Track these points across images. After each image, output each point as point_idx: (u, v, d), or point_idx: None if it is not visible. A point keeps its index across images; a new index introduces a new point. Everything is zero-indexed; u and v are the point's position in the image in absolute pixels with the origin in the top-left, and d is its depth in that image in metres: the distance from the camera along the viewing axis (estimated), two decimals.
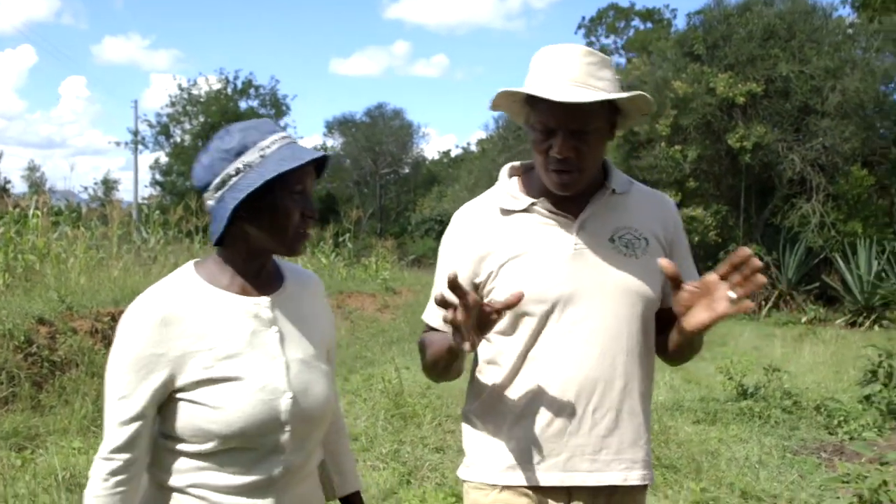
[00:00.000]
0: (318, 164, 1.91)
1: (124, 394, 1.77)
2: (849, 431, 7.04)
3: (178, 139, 46.85)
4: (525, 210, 2.09)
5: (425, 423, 6.33)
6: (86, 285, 9.90)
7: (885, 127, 21.17)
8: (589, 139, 1.95)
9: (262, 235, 1.81)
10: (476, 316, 1.80)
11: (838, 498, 4.79)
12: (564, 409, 2.02)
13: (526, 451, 2.05)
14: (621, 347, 2.04)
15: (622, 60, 32.43)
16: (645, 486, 2.13)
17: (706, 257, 21.11)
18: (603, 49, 34.49)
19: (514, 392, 2.07)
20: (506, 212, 2.11)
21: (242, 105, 48.01)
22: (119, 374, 1.78)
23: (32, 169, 49.06)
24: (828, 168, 19.46)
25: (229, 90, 47.75)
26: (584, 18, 34.17)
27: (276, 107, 49.34)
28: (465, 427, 2.20)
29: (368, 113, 49.24)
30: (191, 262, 1.91)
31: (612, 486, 2.06)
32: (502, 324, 2.03)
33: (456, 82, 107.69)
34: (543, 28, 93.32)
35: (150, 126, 46.96)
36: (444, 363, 2.03)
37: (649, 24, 32.16)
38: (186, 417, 1.78)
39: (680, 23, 27.34)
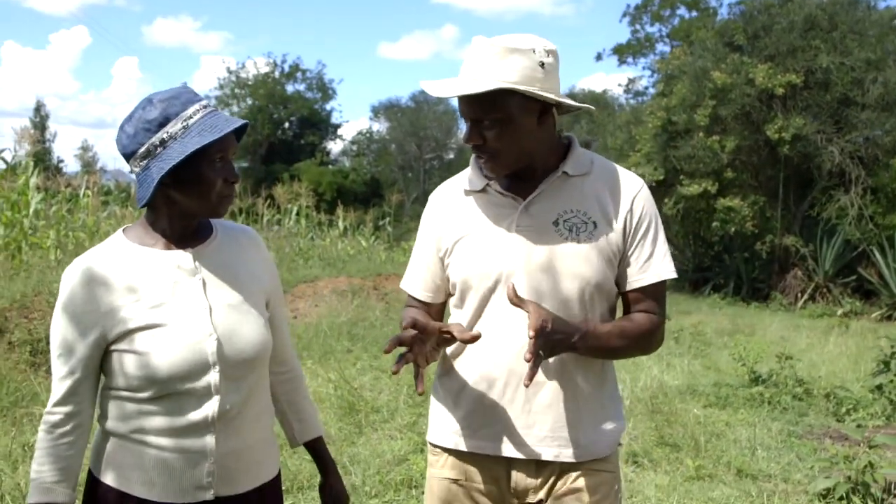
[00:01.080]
0: (239, 130, 1.99)
1: (61, 351, 1.92)
2: (857, 419, 7.24)
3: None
4: (482, 191, 2.18)
5: None
6: None
7: None
8: (493, 126, 2.01)
9: (187, 201, 1.93)
10: (434, 340, 2.01)
11: (827, 478, 5.04)
12: (501, 383, 2.10)
13: (468, 418, 2.15)
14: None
15: (667, 49, 32.39)
16: (604, 457, 2.16)
17: (743, 247, 21.22)
18: (648, 38, 34.47)
19: (462, 363, 2.17)
20: (467, 192, 2.21)
21: (289, 88, 48.75)
22: (56, 333, 1.93)
23: (85, 149, 50.14)
24: (867, 160, 19.38)
25: (277, 74, 48.47)
26: (629, 6, 33.96)
27: (323, 90, 50.05)
28: (432, 393, 2.32)
29: (413, 98, 49.55)
30: (120, 229, 2.05)
31: (549, 461, 2.12)
32: (455, 298, 2.21)
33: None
34: (592, 13, 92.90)
35: None
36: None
37: (694, 13, 31.99)
38: (121, 367, 1.90)
39: (725, 11, 27.17)
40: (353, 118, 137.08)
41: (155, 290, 1.92)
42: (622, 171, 2.21)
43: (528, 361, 1.87)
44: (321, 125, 50.09)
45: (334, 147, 52.66)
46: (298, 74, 49.04)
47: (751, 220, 20.05)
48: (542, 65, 2.01)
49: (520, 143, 2.04)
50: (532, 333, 1.87)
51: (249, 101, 47.31)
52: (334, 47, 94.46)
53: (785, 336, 12.73)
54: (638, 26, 33.82)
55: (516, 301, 1.95)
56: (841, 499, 4.88)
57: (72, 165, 45.63)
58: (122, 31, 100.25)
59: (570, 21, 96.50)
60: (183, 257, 1.98)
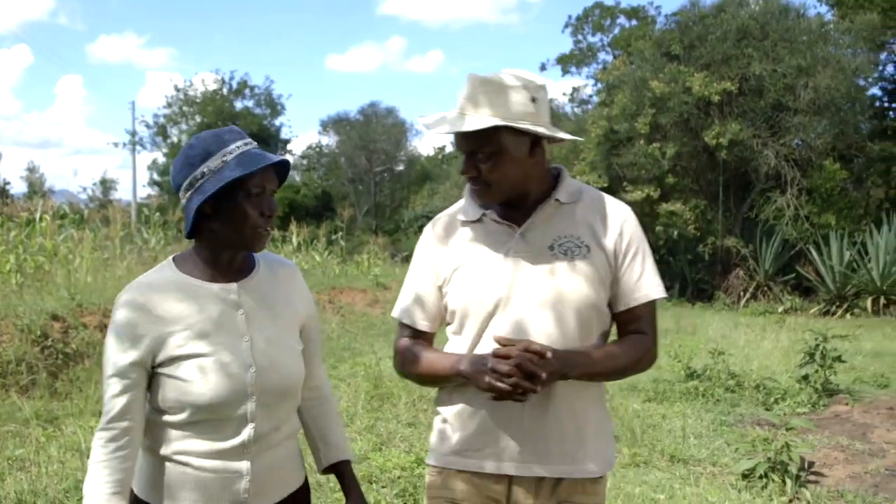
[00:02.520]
0: (281, 168, 2.09)
1: (114, 371, 1.99)
2: (784, 408, 7.82)
3: (175, 139, 47.49)
4: (478, 220, 2.26)
5: (400, 403, 7.09)
6: (93, 284, 10.61)
7: (860, 122, 21.92)
8: (488, 159, 2.12)
9: (224, 231, 2.02)
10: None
11: (750, 459, 5.55)
12: (502, 405, 2.13)
13: (469, 439, 2.21)
14: (558, 347, 2.12)
15: (609, 58, 33.15)
16: (597, 479, 2.24)
17: (686, 250, 21.94)
18: (590, 48, 35.22)
19: (461, 386, 2.21)
20: (463, 222, 2.29)
21: (238, 105, 48.74)
22: (109, 355, 2.01)
23: (32, 170, 49.71)
24: (801, 163, 20.22)
25: (225, 90, 48.46)
26: (570, 17, 34.68)
27: (271, 106, 50.04)
28: (434, 416, 2.36)
29: (362, 111, 49.86)
30: (170, 257, 2.15)
31: (548, 479, 2.19)
32: (454, 325, 2.28)
33: (452, 77, 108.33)
34: (538, 21, 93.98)
35: (148, 127, 47.59)
36: (444, 381, 2.26)
37: (634, 22, 32.81)
38: (165, 391, 2.00)
39: (662, 21, 27.99)
40: (303, 131, 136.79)
41: (200, 321, 2.01)
42: (610, 199, 2.31)
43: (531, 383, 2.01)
44: (271, 141, 50.00)
45: None
46: (247, 91, 49.03)
47: (693, 223, 20.79)
48: (534, 100, 2.11)
49: (512, 174, 2.14)
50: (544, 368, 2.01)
51: (198, 119, 47.23)
52: (282, 60, 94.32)
53: (725, 334, 13.30)
54: (580, 36, 34.56)
55: (504, 343, 2.08)
56: (761, 477, 5.39)
57: (18, 187, 45.26)
58: (65, 50, 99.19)
59: (515, 30, 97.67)
60: (228, 291, 2.07)
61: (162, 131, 47.65)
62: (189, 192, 2.00)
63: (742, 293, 20.45)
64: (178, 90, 48.97)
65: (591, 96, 34.04)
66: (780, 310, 18.70)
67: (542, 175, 2.23)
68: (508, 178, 2.14)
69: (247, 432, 2.02)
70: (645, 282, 2.22)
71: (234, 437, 2.01)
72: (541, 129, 2.11)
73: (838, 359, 8.29)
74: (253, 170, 1.95)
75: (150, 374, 2.02)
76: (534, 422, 2.16)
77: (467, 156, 2.15)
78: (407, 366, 2.31)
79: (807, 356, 8.38)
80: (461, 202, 2.35)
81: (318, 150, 52.66)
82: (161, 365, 2.00)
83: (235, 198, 1.98)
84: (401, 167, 50.85)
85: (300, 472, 2.23)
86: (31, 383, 7.17)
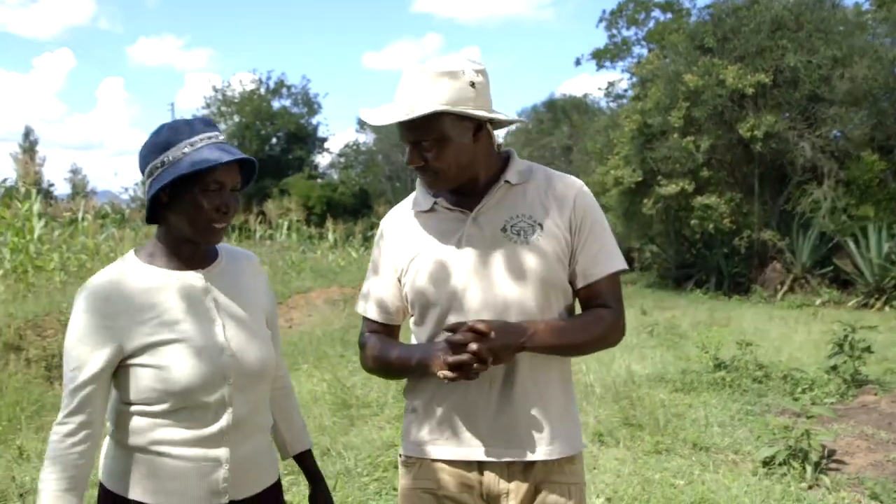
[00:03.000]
0: (248, 167, 2.11)
1: (76, 365, 1.98)
2: (812, 397, 7.85)
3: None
4: (430, 209, 2.26)
5: None
6: None
7: None
8: (432, 147, 2.11)
9: (178, 222, 2.03)
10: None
11: (771, 447, 5.63)
12: (467, 391, 2.16)
13: (439, 427, 2.22)
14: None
15: (644, 51, 33.02)
16: (572, 457, 2.25)
17: (722, 243, 21.86)
18: (624, 42, 35.11)
19: (429, 375, 2.19)
20: (417, 213, 2.30)
21: (275, 104, 49.33)
22: (71, 348, 1.99)
23: (75, 172, 50.70)
24: (839, 154, 20.06)
25: (262, 90, 49.08)
26: (604, 12, 34.55)
27: (308, 105, 50.63)
28: (405, 407, 2.38)
29: None
30: (131, 250, 2.15)
31: (520, 463, 2.19)
32: (415, 316, 2.27)
33: (489, 73, 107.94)
34: (573, 16, 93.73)
35: None
36: (405, 374, 2.29)
37: (669, 15, 32.61)
38: (139, 381, 1.99)
39: (698, 13, 27.84)
40: (340, 129, 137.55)
41: (170, 308, 2.02)
42: (561, 175, 2.30)
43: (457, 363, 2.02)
44: (308, 139, 50.68)
45: (322, 160, 53.26)
46: (284, 90, 49.68)
47: (728, 216, 20.71)
48: (473, 84, 2.11)
49: (458, 159, 2.14)
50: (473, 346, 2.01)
51: (236, 119, 47.87)
52: (319, 58, 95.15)
53: (758, 326, 13.30)
54: (615, 30, 34.43)
55: (455, 328, 2.08)
56: (781, 464, 5.47)
57: (61, 188, 46.16)
58: (106, 53, 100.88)
59: (550, 25, 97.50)
60: (194, 277, 2.09)
61: None
62: (149, 180, 2.01)
63: (779, 286, 20.33)
64: (216, 91, 49.79)
65: (626, 90, 33.95)
66: (818, 303, 18.57)
67: (490, 159, 2.23)
68: (454, 164, 2.14)
69: (225, 418, 2.02)
70: (604, 255, 2.22)
71: (213, 424, 2.01)
72: (480, 113, 2.11)
73: (867, 349, 8.28)
74: (210, 165, 1.94)
75: (118, 367, 2.01)
76: (499, 406, 2.16)
77: (412, 146, 2.14)
78: (368, 361, 2.32)
79: (835, 347, 8.40)
80: (413, 194, 2.36)
81: (355, 147, 53.06)
82: (132, 356, 1.99)
83: (191, 190, 1.97)
84: None
85: (275, 466, 2.25)
86: None
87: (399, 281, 2.29)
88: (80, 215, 14.29)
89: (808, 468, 5.38)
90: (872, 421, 6.90)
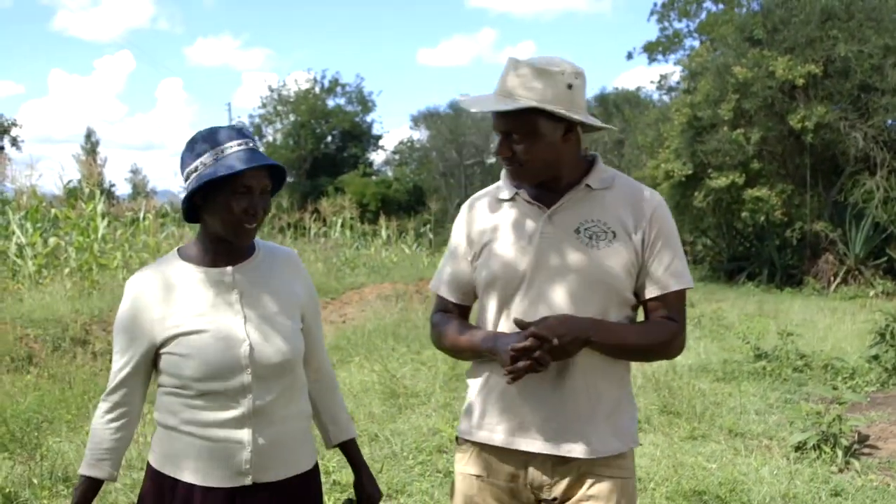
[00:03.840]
0: (279, 172, 2.23)
1: (118, 349, 2.21)
2: (852, 386, 7.98)
3: (271, 139, 48.91)
4: (511, 199, 2.33)
5: None
6: None
7: None
8: (522, 141, 2.18)
9: (212, 222, 2.18)
10: None
11: (803, 431, 5.82)
12: (523, 381, 2.17)
13: (490, 413, 2.28)
14: None
15: (696, 43, 32.86)
16: (615, 458, 2.25)
17: (774, 236, 21.80)
18: (676, 34, 34.95)
19: (485, 359, 2.30)
20: (498, 200, 2.36)
21: (330, 103, 50.00)
22: (116, 335, 2.22)
23: (135, 172, 51.96)
24: (891, 144, 19.87)
25: (317, 89, 49.76)
26: (655, 4, 34.41)
27: (363, 103, 51.17)
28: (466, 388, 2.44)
29: (452, 105, 50.35)
30: (175, 248, 2.33)
31: (565, 458, 2.22)
32: (481, 298, 2.36)
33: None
34: (629, 8, 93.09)
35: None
36: (470, 356, 2.36)
37: (721, 6, 32.38)
38: (167, 367, 2.17)
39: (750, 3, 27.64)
40: (395, 126, 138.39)
41: (197, 301, 2.18)
42: (642, 187, 2.34)
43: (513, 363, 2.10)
44: (363, 137, 51.21)
45: (377, 158, 53.79)
46: (338, 89, 50.28)
47: (780, 208, 20.65)
48: (570, 86, 2.17)
49: (545, 156, 2.20)
50: (531, 341, 2.08)
51: (292, 118, 48.63)
52: (374, 56, 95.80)
53: (807, 317, 13.35)
54: (666, 23, 34.27)
55: (524, 326, 2.13)
56: (813, 449, 5.66)
57: (122, 188, 47.35)
58: (165, 54, 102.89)
59: (606, 18, 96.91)
60: (223, 273, 2.22)
61: (258, 131, 49.18)
62: (187, 183, 2.17)
63: (832, 278, 20.20)
64: (271, 90, 50.59)
65: (677, 83, 33.81)
66: (872, 294, 18.46)
67: (575, 160, 2.28)
68: (540, 159, 2.20)
69: (246, 403, 2.14)
70: (672, 272, 2.25)
71: (234, 408, 2.14)
72: (574, 116, 2.16)
73: None
74: (237, 171, 2.08)
75: (155, 355, 2.19)
76: (551, 399, 2.21)
77: (503, 136, 2.21)
78: (438, 339, 2.41)
79: (877, 336, 8.51)
80: (499, 182, 2.41)
81: (409, 144, 53.48)
82: (163, 345, 2.16)
83: (222, 193, 2.11)
84: (492, 160, 51.19)
85: (310, 454, 2.33)
86: None
87: (471, 263, 2.37)
88: (141, 215, 14.80)
89: (839, 452, 5.57)
90: None
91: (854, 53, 19.27)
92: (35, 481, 4.76)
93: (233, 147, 2.12)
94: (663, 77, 33.34)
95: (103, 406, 2.21)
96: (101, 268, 12.07)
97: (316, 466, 2.36)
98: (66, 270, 11.58)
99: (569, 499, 2.25)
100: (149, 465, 2.25)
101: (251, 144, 2.16)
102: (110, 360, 6.60)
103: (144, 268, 2.28)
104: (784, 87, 19.82)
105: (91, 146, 48.48)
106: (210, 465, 2.15)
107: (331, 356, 8.33)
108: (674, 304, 2.27)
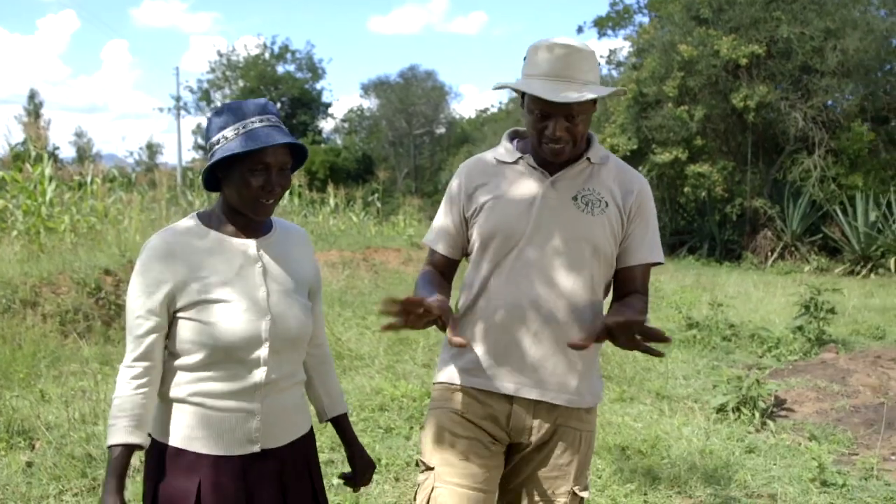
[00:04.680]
0: (300, 149, 2.24)
1: (139, 313, 2.15)
2: (776, 355, 8.42)
3: (219, 104, 48.40)
4: (514, 162, 2.48)
5: (419, 348, 7.80)
6: (141, 242, 11.42)
7: (893, 83, 21.99)
8: (578, 121, 2.31)
9: (231, 195, 2.19)
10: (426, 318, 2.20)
11: (725, 395, 6.18)
12: (510, 331, 2.37)
13: (478, 360, 2.41)
14: (566, 286, 2.36)
15: (646, 19, 33.25)
16: (590, 408, 2.49)
17: (714, 211, 22.37)
18: (626, 9, 35.28)
19: (476, 311, 2.44)
20: (499, 162, 2.50)
21: (280, 70, 49.62)
22: (134, 297, 2.16)
23: (80, 135, 51.14)
24: (829, 125, 20.49)
25: (267, 55, 49.33)
26: None
27: (313, 70, 50.85)
28: (444, 340, 2.49)
29: (402, 74, 50.37)
30: (194, 212, 2.30)
31: (546, 404, 2.41)
32: (475, 253, 2.47)
33: (495, 38, 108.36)
34: None
35: (192, 92, 48.61)
36: None
37: None
38: (185, 332, 2.15)
39: None
40: (345, 94, 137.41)
41: (223, 270, 2.18)
42: (631, 168, 2.55)
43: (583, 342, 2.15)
44: (312, 105, 50.95)
45: (326, 125, 53.57)
46: (288, 55, 49.91)
47: (721, 184, 21.19)
48: (599, 65, 2.37)
49: (585, 133, 2.42)
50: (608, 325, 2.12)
51: (241, 83, 48.18)
52: (325, 23, 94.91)
53: (741, 290, 13.84)
54: None
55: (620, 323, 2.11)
56: (734, 411, 6.03)
57: (66, 151, 46.61)
58: (110, 14, 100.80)
59: None
60: (248, 245, 2.24)
61: (206, 96, 48.74)
62: (209, 153, 2.19)
63: (770, 253, 20.82)
64: (220, 55, 50.08)
65: (627, 58, 34.20)
66: (806, 270, 19.11)
67: None
68: (583, 137, 2.40)
69: (259, 374, 2.17)
70: (647, 245, 2.46)
71: (247, 379, 2.17)
72: (614, 95, 2.38)
73: (831, 311, 8.84)
74: (254, 147, 2.09)
75: (171, 318, 2.18)
76: (535, 351, 2.36)
77: (563, 118, 2.30)
78: (414, 290, 2.46)
79: (802, 308, 8.95)
80: (497, 147, 2.56)
81: (359, 113, 53.34)
82: (182, 309, 2.15)
83: (242, 168, 2.13)
84: (441, 130, 51.38)
85: (307, 418, 2.39)
86: (87, 329, 8.00)
87: (467, 220, 2.50)
88: (88, 179, 14.76)
89: (756, 414, 5.95)
90: (828, 375, 7.43)
91: (796, 35, 19.78)
92: None
93: (255, 123, 2.13)
94: (612, 52, 33.64)
95: (130, 372, 2.15)
96: (49, 231, 12.06)
97: (311, 429, 2.41)
98: (14, 233, 11.57)
99: (544, 444, 2.43)
100: (152, 438, 2.22)
101: (274, 121, 2.17)
102: (60, 323, 6.79)
103: (163, 229, 2.23)
104: (728, 66, 20.28)
105: (35, 108, 47.54)
106: (220, 435, 2.17)
107: None
108: (642, 277, 2.47)
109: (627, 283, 2.46)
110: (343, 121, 53.39)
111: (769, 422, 5.91)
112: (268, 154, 2.13)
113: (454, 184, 2.56)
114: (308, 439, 2.40)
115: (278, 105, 49.29)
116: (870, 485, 4.71)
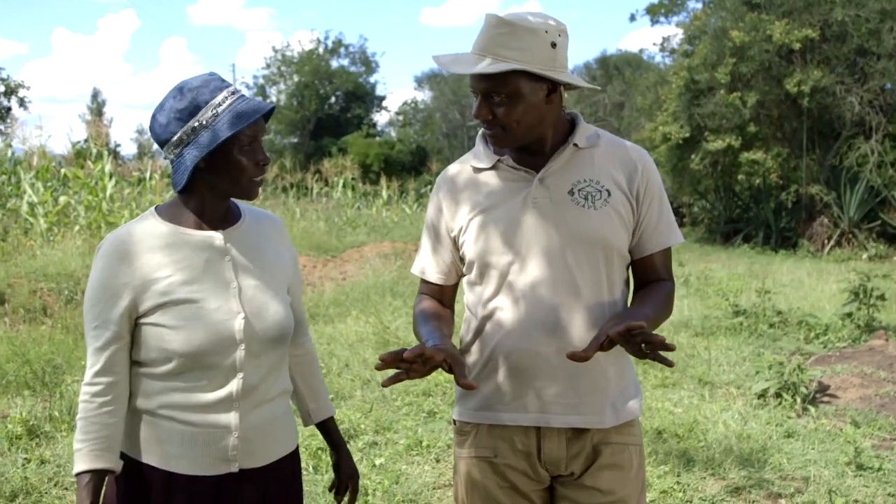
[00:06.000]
0: (267, 113, 2.02)
1: (98, 323, 1.95)
2: (824, 342, 8.40)
3: (275, 98, 49.09)
4: (493, 167, 2.20)
5: None
6: None
7: None
8: (503, 101, 2.04)
9: (221, 184, 2.00)
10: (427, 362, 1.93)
11: (767, 381, 6.23)
12: (524, 357, 2.12)
13: (496, 392, 2.16)
14: (581, 296, 2.11)
15: (699, 5, 32.91)
16: (626, 425, 2.20)
17: (769, 198, 22.14)
18: None
19: (484, 339, 2.18)
20: (476, 170, 2.23)
21: (334, 64, 50.14)
22: (91, 305, 1.97)
23: (140, 132, 52.22)
24: (886, 109, 20.12)
25: (321, 50, 49.86)
26: None
27: (366, 64, 51.30)
28: None
29: None
30: (152, 207, 2.09)
31: (580, 430, 2.15)
32: (472, 276, 2.21)
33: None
34: None
35: (248, 88, 49.28)
36: None
37: None
38: (149, 340, 1.95)
39: None
40: (398, 87, 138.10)
41: (187, 268, 1.98)
42: (625, 142, 2.27)
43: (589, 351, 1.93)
44: (366, 98, 51.38)
45: (380, 118, 53.93)
46: (342, 49, 50.39)
47: (776, 171, 20.97)
48: (553, 45, 2.04)
49: (528, 118, 2.08)
50: (614, 335, 1.89)
51: (296, 78, 48.80)
52: (378, 16, 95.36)
53: (796, 278, 13.71)
54: None
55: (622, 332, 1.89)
56: (776, 396, 6.08)
57: (126, 148, 47.67)
58: (168, 13, 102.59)
59: None
60: (214, 238, 2.04)
61: (261, 92, 49.35)
62: (180, 148, 1.97)
63: (826, 240, 20.50)
64: (275, 51, 50.74)
65: (679, 45, 33.90)
66: (864, 257, 18.81)
67: (559, 120, 2.18)
68: (524, 122, 2.08)
69: (234, 383, 1.98)
70: (664, 227, 2.21)
71: (220, 388, 1.98)
72: (559, 78, 2.06)
73: (881, 297, 8.77)
74: (246, 124, 1.94)
75: (133, 325, 1.98)
76: (555, 374, 2.12)
77: (483, 97, 2.08)
78: (413, 328, 2.27)
79: (851, 295, 8.90)
80: (473, 150, 2.29)
81: (412, 105, 53.60)
82: (145, 315, 1.96)
83: (230, 151, 1.96)
84: None
85: (292, 436, 2.21)
86: None
87: (454, 240, 2.25)
88: (147, 174, 15.20)
89: (798, 400, 5.99)
90: (875, 362, 7.39)
91: (851, 18, 19.44)
92: (56, 414, 5.23)
93: (227, 98, 1.97)
94: (665, 39, 33.34)
95: (92, 389, 1.97)
96: (110, 226, 12.47)
97: (297, 448, 2.25)
98: (76, 228, 12.00)
99: (587, 469, 2.17)
100: (121, 453, 2.03)
101: (238, 92, 2.01)
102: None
103: (119, 228, 2.04)
104: (781, 51, 20.01)
105: (97, 106, 48.74)
106: (193, 452, 1.98)
107: (329, 311, 8.83)
108: (663, 262, 2.25)
109: (648, 272, 2.24)
110: (397, 114, 53.70)
111: (810, 407, 5.94)
112: (251, 127, 1.98)
113: (432, 204, 2.32)
114: (293, 460, 2.21)
115: (333, 99, 49.85)
116: None
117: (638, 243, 2.21)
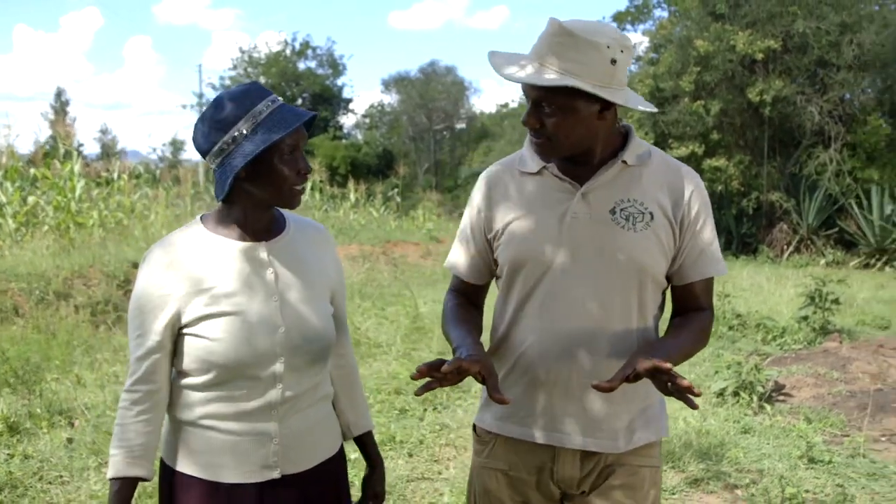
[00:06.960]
0: (308, 122, 1.98)
1: (140, 332, 1.96)
2: (781, 343, 8.69)
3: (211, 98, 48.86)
4: (537, 173, 2.13)
5: (434, 336, 8.13)
6: None
7: None
8: (554, 113, 1.97)
9: (262, 193, 1.97)
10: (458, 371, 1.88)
11: (725, 380, 6.47)
12: (547, 372, 2.07)
13: (516, 404, 2.10)
14: (610, 318, 2.04)
15: (665, 14, 33.35)
16: (644, 447, 2.14)
17: (730, 205, 22.56)
18: (645, 3, 35.32)
19: (509, 347, 2.15)
20: (522, 173, 2.16)
21: (301, 66, 50.10)
22: (135, 315, 1.98)
23: (104, 132, 51.86)
24: (845, 119, 20.63)
25: (288, 52, 49.82)
26: None
27: (333, 66, 51.30)
28: None
29: (422, 70, 50.68)
30: (198, 216, 2.09)
31: (594, 452, 2.10)
32: (503, 280, 2.17)
33: (516, 33, 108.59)
34: None
35: (214, 89, 49.04)
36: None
37: None
38: (191, 350, 1.96)
39: None
40: (365, 90, 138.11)
41: (229, 280, 1.97)
42: (679, 164, 2.17)
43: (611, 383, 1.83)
44: (333, 100, 51.33)
45: (347, 121, 53.91)
46: (309, 52, 50.37)
47: (737, 178, 21.38)
48: (613, 62, 1.94)
49: (577, 132, 2.00)
50: (640, 370, 1.81)
51: (263, 80, 48.66)
52: (345, 18, 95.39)
53: (755, 282, 14.04)
54: None
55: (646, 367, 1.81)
56: (733, 395, 6.33)
57: (89, 147, 47.27)
58: (133, 11, 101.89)
59: None
60: (257, 249, 2.03)
61: None
62: (221, 157, 1.96)
63: (785, 246, 20.99)
64: (242, 52, 50.58)
65: (644, 53, 34.34)
66: (822, 263, 19.27)
67: (609, 135, 2.08)
68: (572, 135, 2.00)
69: (273, 393, 1.98)
70: (708, 257, 2.11)
71: (261, 398, 1.98)
72: (615, 98, 1.95)
73: (836, 301, 9.08)
74: (286, 132, 1.91)
75: (177, 335, 1.99)
76: (576, 395, 2.07)
77: (533, 105, 2.01)
78: (442, 322, 2.25)
79: (808, 299, 9.20)
80: (520, 152, 2.22)
81: (379, 108, 53.68)
82: (187, 325, 1.97)
83: (271, 160, 1.93)
84: (461, 125, 51.63)
85: (335, 438, 2.20)
86: (117, 320, 8.39)
87: (490, 241, 2.20)
88: (115, 175, 15.24)
89: (754, 398, 6.24)
90: (829, 363, 7.68)
91: (812, 30, 19.93)
92: (38, 412, 5.35)
93: (268, 107, 1.95)
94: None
95: (131, 397, 1.99)
96: (78, 226, 12.53)
97: (342, 449, 2.24)
98: (45, 228, 12.03)
99: (597, 488, 2.13)
100: (163, 464, 2.08)
101: (279, 101, 1.99)
102: (92, 314, 7.22)
103: (165, 237, 2.05)
104: (744, 60, 20.46)
105: (61, 105, 48.25)
106: (234, 460, 1.99)
107: None
108: (705, 291, 2.16)
109: (688, 299, 2.15)
110: (364, 116, 53.74)
111: (766, 405, 6.20)
112: (292, 136, 1.95)
113: (474, 200, 2.25)
114: (337, 462, 2.20)
115: (299, 101, 49.84)
116: (855, 462, 5.01)
117: (678, 271, 2.12)
